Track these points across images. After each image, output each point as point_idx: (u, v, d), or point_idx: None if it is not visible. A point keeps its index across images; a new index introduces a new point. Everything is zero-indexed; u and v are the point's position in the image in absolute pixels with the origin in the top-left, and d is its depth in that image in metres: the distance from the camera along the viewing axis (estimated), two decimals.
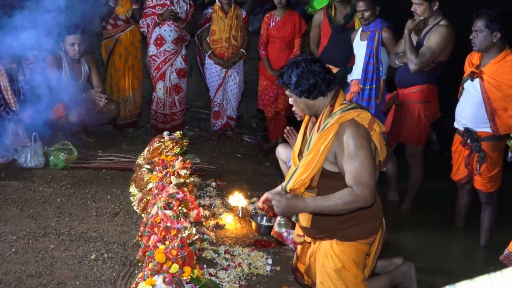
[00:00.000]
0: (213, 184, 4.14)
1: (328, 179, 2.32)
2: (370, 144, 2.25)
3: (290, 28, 5.03)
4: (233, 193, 3.72)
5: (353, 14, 4.42)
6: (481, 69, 3.30)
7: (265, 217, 3.55)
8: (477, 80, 3.30)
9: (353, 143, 2.20)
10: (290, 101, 2.43)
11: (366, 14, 4.00)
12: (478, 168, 3.39)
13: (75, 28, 4.73)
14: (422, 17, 3.67)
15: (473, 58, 3.39)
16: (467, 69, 3.42)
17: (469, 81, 3.37)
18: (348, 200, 2.16)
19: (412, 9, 3.70)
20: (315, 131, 2.33)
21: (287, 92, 2.39)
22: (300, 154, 2.43)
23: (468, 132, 3.37)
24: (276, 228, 2.45)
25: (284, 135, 3.24)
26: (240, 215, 2.55)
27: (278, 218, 2.37)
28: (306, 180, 2.31)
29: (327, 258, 2.42)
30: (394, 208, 4.17)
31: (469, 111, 3.37)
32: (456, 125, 3.54)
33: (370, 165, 2.19)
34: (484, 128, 3.33)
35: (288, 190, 2.37)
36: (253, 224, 3.45)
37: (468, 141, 3.38)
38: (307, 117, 2.51)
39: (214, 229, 3.40)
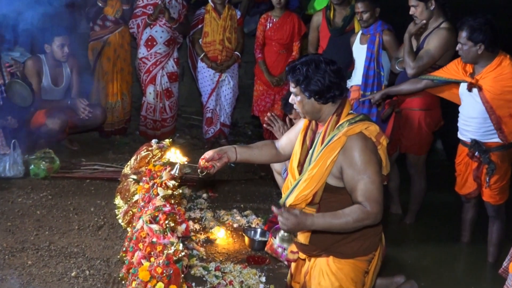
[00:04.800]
0: (204, 195, 4.12)
1: (330, 194, 2.31)
2: (378, 158, 2.26)
3: (289, 29, 5.03)
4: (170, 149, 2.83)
5: (352, 16, 4.42)
6: (476, 77, 3.29)
7: (259, 232, 3.53)
8: (475, 90, 3.30)
9: (362, 158, 2.19)
10: (292, 99, 2.36)
11: (365, 16, 4.00)
12: (487, 180, 3.37)
13: (64, 29, 4.72)
14: (424, 21, 3.67)
15: (466, 65, 3.38)
16: (459, 75, 3.40)
17: (466, 92, 3.35)
18: (359, 218, 2.16)
19: (410, 13, 3.71)
20: (319, 142, 2.30)
21: (294, 90, 2.31)
22: (299, 165, 2.39)
23: (476, 144, 3.35)
24: (278, 242, 2.37)
25: (264, 124, 3.20)
26: (176, 174, 2.50)
27: (281, 232, 2.31)
28: (309, 195, 2.29)
29: (323, 276, 2.40)
30: (397, 222, 4.15)
31: (474, 122, 3.37)
32: (460, 136, 3.53)
33: (379, 181, 2.21)
34: (492, 138, 3.32)
35: (287, 205, 2.34)
36: (246, 239, 3.43)
37: (476, 153, 3.36)
38: (305, 123, 2.47)
39: (204, 244, 3.37)
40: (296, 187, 2.31)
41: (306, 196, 2.28)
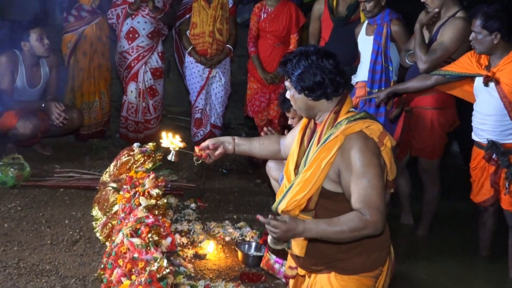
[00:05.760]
0: (193, 205, 4.12)
1: (328, 200, 2.30)
2: (380, 161, 2.25)
3: (285, 20, 5.05)
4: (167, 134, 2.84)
5: (358, 4, 4.43)
6: (492, 70, 3.32)
7: (253, 246, 3.53)
8: (492, 85, 3.32)
9: (361, 159, 2.18)
10: (288, 95, 2.39)
11: (369, 5, 4.02)
12: (507, 186, 3.38)
13: (40, 19, 4.69)
14: (436, 9, 3.69)
15: (480, 58, 3.41)
16: (474, 68, 3.43)
17: (482, 87, 3.38)
18: (356, 227, 2.14)
19: (422, 0, 3.72)
20: (315, 142, 2.31)
21: (286, 83, 2.36)
22: (297, 167, 2.40)
23: (493, 145, 3.37)
24: (270, 244, 2.39)
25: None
26: (172, 160, 2.70)
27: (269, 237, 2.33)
28: (303, 201, 2.28)
29: None
30: (408, 233, 4.17)
31: (491, 121, 3.39)
32: (475, 137, 3.55)
33: (380, 186, 2.19)
34: (511, 139, 3.34)
35: (279, 211, 2.34)
36: (239, 253, 3.43)
37: (494, 155, 3.38)
38: (304, 122, 2.49)
39: (193, 260, 3.37)
40: (289, 191, 2.31)
41: (299, 201, 2.27)
